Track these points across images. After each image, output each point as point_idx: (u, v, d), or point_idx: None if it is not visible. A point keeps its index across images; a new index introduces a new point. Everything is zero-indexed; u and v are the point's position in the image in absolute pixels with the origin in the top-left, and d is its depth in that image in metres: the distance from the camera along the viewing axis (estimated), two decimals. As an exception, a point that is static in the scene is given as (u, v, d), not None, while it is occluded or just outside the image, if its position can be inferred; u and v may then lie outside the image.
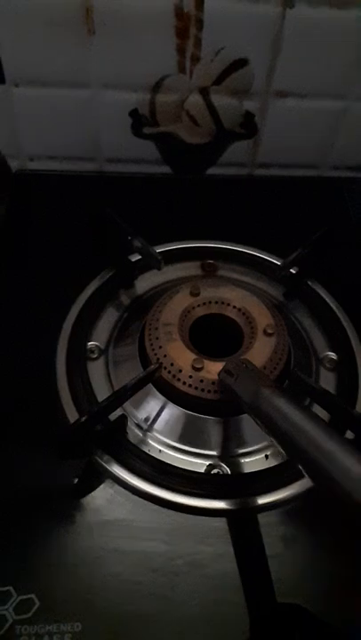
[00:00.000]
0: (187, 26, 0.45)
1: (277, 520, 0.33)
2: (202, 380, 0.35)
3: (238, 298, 0.39)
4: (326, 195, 0.54)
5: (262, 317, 0.38)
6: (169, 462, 0.35)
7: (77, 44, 0.45)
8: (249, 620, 0.29)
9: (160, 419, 0.37)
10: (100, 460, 0.34)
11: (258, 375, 0.31)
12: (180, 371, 0.35)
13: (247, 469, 0.35)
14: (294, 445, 0.24)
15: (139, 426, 0.37)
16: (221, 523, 0.33)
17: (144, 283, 0.45)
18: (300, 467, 0.25)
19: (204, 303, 0.39)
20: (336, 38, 0.46)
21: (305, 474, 0.25)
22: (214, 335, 0.39)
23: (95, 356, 0.40)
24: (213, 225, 0.49)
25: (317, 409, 0.36)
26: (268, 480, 0.34)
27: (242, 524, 0.33)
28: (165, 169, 0.55)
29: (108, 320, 0.42)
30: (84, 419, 0.31)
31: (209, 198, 0.52)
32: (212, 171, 0.56)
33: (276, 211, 0.51)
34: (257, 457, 0.36)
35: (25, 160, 0.55)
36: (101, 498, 0.33)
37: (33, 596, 0.29)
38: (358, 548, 0.31)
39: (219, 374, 0.34)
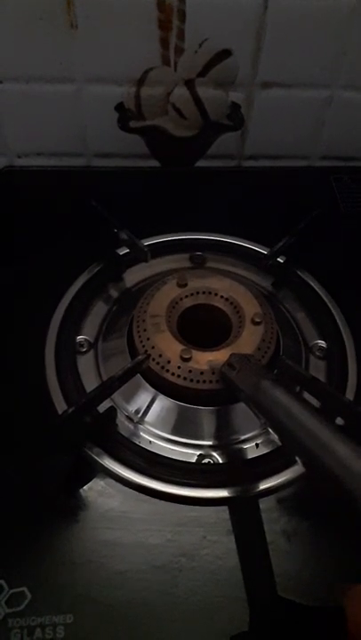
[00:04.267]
0: (169, 17, 0.45)
1: (267, 507, 0.33)
2: (190, 371, 0.35)
3: (225, 288, 0.39)
4: (315, 185, 0.54)
5: (250, 306, 0.38)
6: (160, 453, 0.35)
7: (60, 38, 0.45)
8: (249, 612, 0.29)
9: (150, 410, 0.37)
10: (90, 453, 0.34)
11: (259, 369, 0.31)
12: (169, 362, 0.35)
13: (238, 458, 0.35)
14: (292, 437, 0.24)
15: (129, 418, 0.37)
16: (211, 512, 0.32)
17: (133, 276, 0.45)
18: (298, 458, 0.25)
19: (192, 294, 0.39)
20: (320, 26, 0.46)
21: (302, 465, 0.25)
22: (203, 325, 0.39)
23: (84, 349, 0.40)
24: (203, 217, 0.49)
25: (306, 396, 0.36)
26: (259, 468, 0.34)
27: (236, 513, 0.33)
28: (153, 162, 0.55)
29: (96, 314, 0.42)
30: (71, 410, 0.31)
31: (198, 191, 0.52)
32: (200, 163, 0.56)
33: (265, 202, 0.51)
34: (248, 445, 0.36)
35: (13, 157, 0.55)
36: (93, 490, 0.33)
37: (25, 589, 0.29)
38: (357, 539, 0.31)
39: (221, 367, 0.34)
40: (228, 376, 0.32)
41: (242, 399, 0.31)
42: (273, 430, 0.28)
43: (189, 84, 0.48)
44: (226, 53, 0.47)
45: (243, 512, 0.33)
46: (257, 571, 0.31)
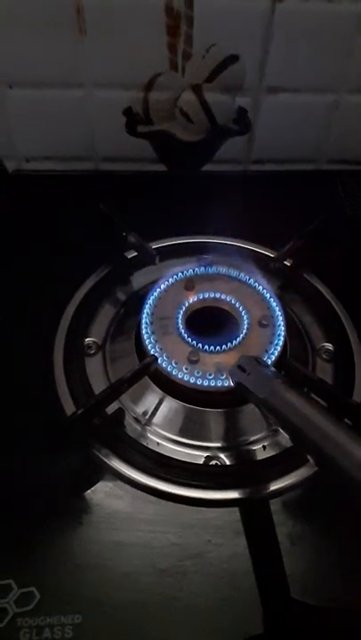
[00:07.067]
0: (177, 23, 0.45)
1: (273, 510, 0.33)
2: (198, 372, 0.35)
3: (233, 290, 0.39)
4: (321, 188, 0.54)
5: (257, 309, 0.38)
6: (167, 455, 0.35)
7: (69, 44, 0.46)
8: (263, 615, 0.29)
9: (158, 412, 0.37)
10: (99, 454, 0.34)
11: (270, 371, 0.31)
12: (177, 364, 0.36)
13: (245, 460, 0.35)
14: (306, 437, 0.24)
15: (137, 420, 0.37)
16: (217, 514, 0.33)
17: (140, 279, 0.45)
18: (311, 458, 0.25)
19: (200, 296, 0.39)
20: (326, 31, 0.46)
21: (316, 465, 0.25)
22: (211, 328, 0.39)
23: (93, 351, 0.40)
24: (209, 221, 0.49)
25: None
26: (266, 470, 0.34)
27: (245, 515, 0.33)
28: (160, 167, 0.55)
29: (105, 316, 0.42)
30: (80, 411, 0.31)
31: (204, 195, 0.52)
32: (207, 167, 0.56)
33: (271, 205, 0.51)
34: (255, 447, 0.36)
35: (21, 161, 0.56)
36: (101, 491, 0.34)
37: (33, 589, 0.29)
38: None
39: (230, 370, 0.34)
40: (239, 379, 0.32)
41: (253, 402, 0.31)
42: (286, 432, 0.29)
43: (197, 88, 0.49)
44: (233, 59, 0.47)
45: (251, 514, 0.33)
46: (269, 572, 0.31)
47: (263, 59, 0.48)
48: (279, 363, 0.37)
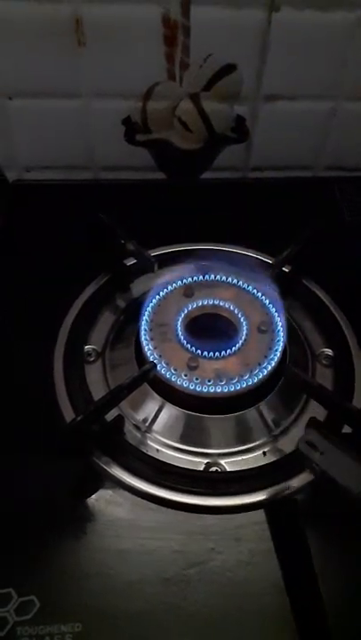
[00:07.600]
0: (174, 34, 0.46)
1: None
2: (197, 379, 0.35)
3: (232, 297, 0.40)
4: (320, 195, 0.55)
5: (256, 315, 0.38)
6: (167, 462, 0.35)
7: (68, 55, 0.46)
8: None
9: (158, 419, 0.37)
10: (98, 462, 0.34)
11: (346, 449, 0.30)
12: (176, 370, 0.36)
13: (245, 466, 0.35)
14: None
15: (137, 427, 0.37)
16: (218, 521, 0.33)
17: (140, 286, 0.45)
18: None
19: (199, 303, 0.40)
20: (322, 39, 0.47)
21: None
22: (210, 334, 0.39)
23: (92, 359, 0.40)
24: (209, 228, 0.49)
25: (313, 404, 0.36)
26: (266, 476, 0.34)
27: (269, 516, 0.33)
28: (160, 175, 0.56)
29: (104, 323, 0.42)
30: (80, 417, 0.31)
31: (204, 202, 0.53)
32: (205, 175, 0.56)
33: (270, 212, 0.51)
34: (255, 454, 0.36)
35: (21, 171, 0.56)
36: (101, 499, 0.34)
37: (33, 597, 0.29)
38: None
39: (298, 444, 0.33)
40: (313, 459, 0.31)
41: (338, 488, 0.29)
42: None
43: (195, 97, 0.49)
44: (230, 67, 0.48)
45: (251, 521, 0.33)
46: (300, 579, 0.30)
47: (260, 67, 0.48)
48: (279, 368, 0.37)
